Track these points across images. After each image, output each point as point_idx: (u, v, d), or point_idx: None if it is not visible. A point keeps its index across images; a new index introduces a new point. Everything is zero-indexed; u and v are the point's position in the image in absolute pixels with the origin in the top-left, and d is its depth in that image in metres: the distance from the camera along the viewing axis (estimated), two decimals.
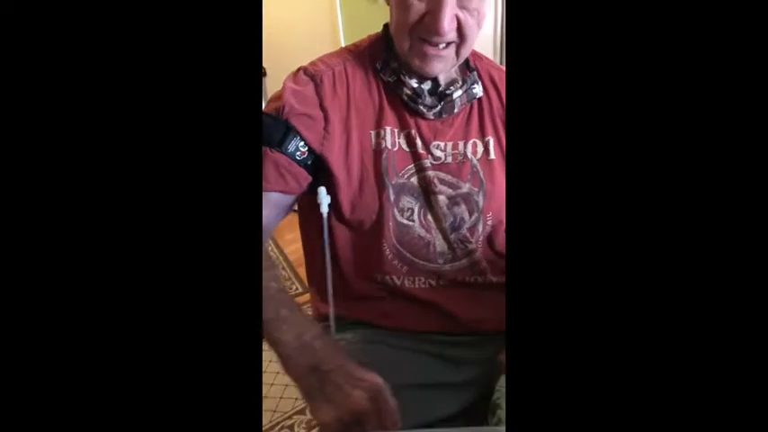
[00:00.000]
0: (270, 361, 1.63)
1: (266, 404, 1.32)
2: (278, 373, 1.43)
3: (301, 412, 1.28)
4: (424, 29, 0.53)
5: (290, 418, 1.27)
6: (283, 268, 2.09)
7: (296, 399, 1.33)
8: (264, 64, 2.49)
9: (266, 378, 1.42)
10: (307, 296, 1.84)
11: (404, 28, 0.55)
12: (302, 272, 2.04)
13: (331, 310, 0.60)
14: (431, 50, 0.55)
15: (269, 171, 0.56)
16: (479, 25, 0.55)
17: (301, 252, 0.76)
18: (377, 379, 0.44)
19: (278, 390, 1.37)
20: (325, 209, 0.58)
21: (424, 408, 0.57)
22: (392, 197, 0.60)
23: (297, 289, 1.94)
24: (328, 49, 2.18)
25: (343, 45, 1.97)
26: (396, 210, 0.60)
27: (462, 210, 0.62)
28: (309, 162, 0.58)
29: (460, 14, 0.53)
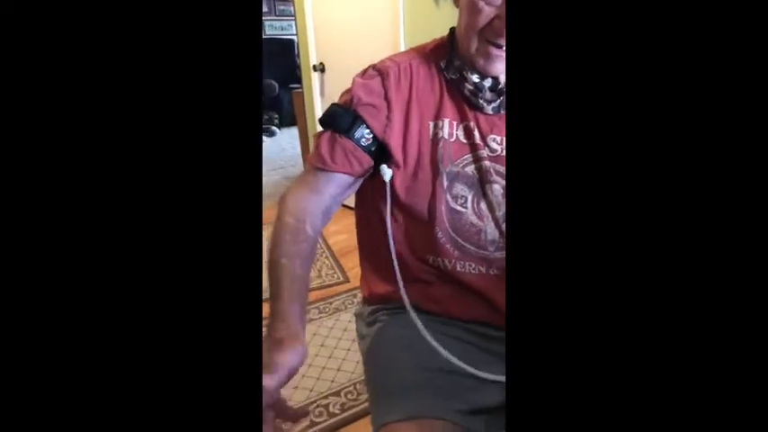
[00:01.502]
0: (308, 343, 1.68)
1: (304, 382, 1.41)
2: (316, 355, 1.52)
3: (337, 394, 1.36)
4: (492, 32, 0.59)
5: (325, 398, 1.35)
6: (326, 257, 2.18)
7: (332, 381, 1.41)
8: (323, 59, 2.59)
9: None
10: (347, 285, 1.93)
11: (473, 30, 0.60)
12: (345, 262, 2.13)
13: (401, 288, 0.65)
14: (495, 51, 0.61)
15: (337, 154, 0.64)
16: None
17: (344, 244, 0.82)
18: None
19: (315, 371, 1.46)
20: (388, 178, 0.65)
21: (467, 394, 0.62)
22: (445, 184, 0.65)
23: (339, 278, 2.02)
24: (387, 47, 2.21)
25: (402, 44, 2.04)
26: (449, 196, 0.66)
27: None
28: (373, 148, 0.65)
29: None
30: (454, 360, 0.59)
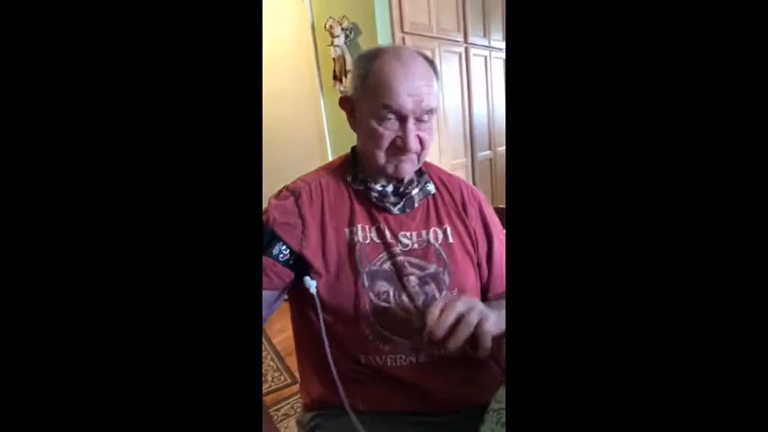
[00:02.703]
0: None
1: None
2: None
3: None
4: (397, 148, 0.71)
5: None
6: (272, 359, 2.09)
7: None
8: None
9: None
10: (295, 387, 1.84)
11: (378, 150, 0.71)
12: (291, 362, 2.04)
13: (340, 389, 0.66)
14: (402, 158, 0.72)
15: None
16: (432, 138, 0.74)
17: (289, 342, 0.82)
18: None
19: None
20: (314, 290, 0.69)
21: None
22: (366, 283, 0.70)
23: (285, 380, 1.93)
24: (315, 152, 2.35)
25: (329, 149, 2.19)
26: (371, 294, 0.71)
27: (432, 288, 0.73)
28: (291, 262, 0.70)
29: (420, 134, 0.71)
30: None
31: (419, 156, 0.73)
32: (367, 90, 0.70)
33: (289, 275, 0.70)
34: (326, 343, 0.68)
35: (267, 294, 0.69)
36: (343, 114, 0.77)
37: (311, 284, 0.69)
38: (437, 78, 0.71)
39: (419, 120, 0.70)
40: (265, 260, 0.69)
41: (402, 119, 0.69)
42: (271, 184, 0.78)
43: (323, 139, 2.26)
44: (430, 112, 0.70)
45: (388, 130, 0.69)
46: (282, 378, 1.94)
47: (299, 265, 0.70)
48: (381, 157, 0.71)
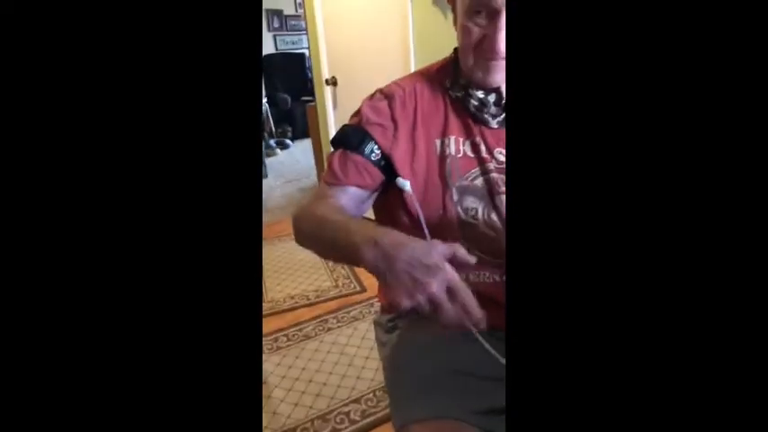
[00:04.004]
0: (327, 352, 1.71)
1: (326, 390, 1.44)
2: (336, 363, 1.55)
3: (357, 401, 1.39)
4: (484, 48, 0.63)
5: (346, 405, 1.38)
6: (342, 268, 2.22)
7: (352, 388, 1.44)
8: (335, 74, 2.65)
9: (325, 367, 1.54)
10: (364, 294, 1.96)
11: (468, 48, 0.65)
12: (361, 272, 2.16)
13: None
14: (491, 63, 0.65)
15: (349, 169, 0.68)
16: None
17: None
18: (453, 274, 0.48)
19: (336, 379, 1.49)
20: (408, 188, 0.68)
21: (485, 396, 0.64)
22: (455, 198, 0.69)
23: (356, 287, 2.05)
24: (397, 61, 2.23)
25: (413, 59, 2.08)
26: (460, 209, 0.69)
27: None
28: (383, 163, 0.69)
29: None
30: (500, 358, 0.60)
31: None
32: None
33: (379, 176, 0.69)
34: (428, 235, 0.66)
35: (358, 192, 0.69)
36: (429, 25, 0.71)
37: (405, 184, 0.68)
38: None
39: None
40: (357, 157, 0.68)
41: (492, 13, 0.61)
42: (348, 93, 0.75)
43: (407, 50, 2.14)
44: None
45: (477, 27, 0.62)
46: (353, 286, 2.06)
47: (390, 169, 0.70)
48: (470, 58, 0.65)
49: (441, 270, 0.47)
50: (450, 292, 0.47)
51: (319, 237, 0.61)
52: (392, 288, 0.48)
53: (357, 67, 2.47)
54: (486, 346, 0.60)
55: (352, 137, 0.69)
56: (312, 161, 3.41)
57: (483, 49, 0.63)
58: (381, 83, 0.76)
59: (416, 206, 0.67)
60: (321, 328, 1.78)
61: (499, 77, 0.66)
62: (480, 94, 0.68)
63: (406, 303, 0.46)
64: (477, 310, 0.49)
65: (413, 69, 2.10)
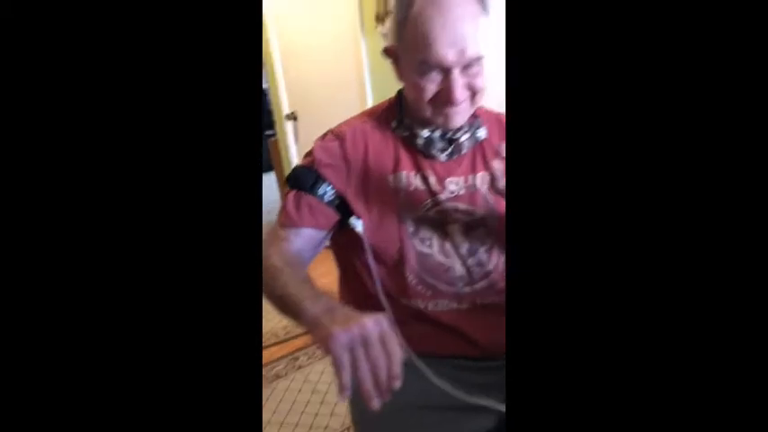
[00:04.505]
0: (299, 391, 1.66)
1: (298, 430, 1.40)
2: (308, 402, 1.51)
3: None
4: (442, 100, 0.64)
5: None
6: None
7: (325, 427, 1.40)
8: (295, 108, 2.67)
9: (297, 407, 1.50)
10: None
11: (421, 103, 0.66)
12: None
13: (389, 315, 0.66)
14: (452, 110, 0.65)
15: (303, 211, 0.68)
16: (483, 82, 0.65)
17: (331, 286, 0.84)
18: (380, 317, 0.49)
19: (308, 418, 1.45)
20: (359, 229, 0.69)
21: (445, 428, 0.64)
22: (410, 230, 0.70)
23: None
24: (354, 97, 2.27)
25: (369, 92, 2.12)
26: (416, 240, 0.71)
27: (480, 232, 0.72)
28: (337, 203, 0.70)
29: (470, 81, 0.64)
30: (450, 390, 0.60)
31: (472, 102, 0.67)
32: (405, 41, 0.64)
33: (334, 216, 0.70)
34: (378, 281, 0.69)
35: (313, 233, 0.70)
36: (382, 59, 0.72)
37: (357, 224, 0.69)
38: (486, 14, 0.62)
39: (467, 67, 0.63)
40: (310, 199, 0.68)
41: (445, 71, 0.62)
42: (308, 127, 0.76)
43: (362, 84, 2.20)
44: (478, 59, 0.63)
45: (432, 83, 0.63)
46: None
47: (344, 209, 0.71)
48: (427, 110, 0.67)
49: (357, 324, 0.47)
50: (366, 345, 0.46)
51: (270, 291, 0.61)
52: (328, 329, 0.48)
53: (316, 102, 2.51)
54: (434, 379, 0.61)
55: (306, 178, 0.70)
56: (277, 194, 3.39)
57: (441, 101, 0.65)
58: (341, 117, 0.78)
59: (366, 246, 0.68)
60: (292, 366, 1.73)
61: (460, 120, 0.68)
62: (425, 132, 0.70)
63: (345, 379, 0.46)
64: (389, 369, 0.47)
65: (370, 103, 2.16)
